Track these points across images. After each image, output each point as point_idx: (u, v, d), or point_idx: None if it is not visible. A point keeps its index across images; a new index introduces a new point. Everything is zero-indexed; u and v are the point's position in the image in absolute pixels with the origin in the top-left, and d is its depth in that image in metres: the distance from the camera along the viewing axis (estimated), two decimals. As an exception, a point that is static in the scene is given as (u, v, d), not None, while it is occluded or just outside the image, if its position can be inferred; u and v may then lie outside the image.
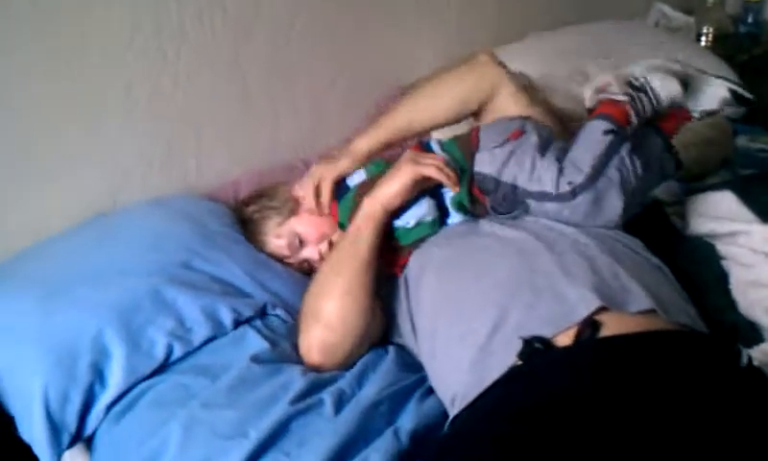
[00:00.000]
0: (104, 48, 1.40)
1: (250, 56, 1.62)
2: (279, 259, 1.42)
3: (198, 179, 1.61)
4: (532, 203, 1.22)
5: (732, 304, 1.27)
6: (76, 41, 1.37)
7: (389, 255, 1.27)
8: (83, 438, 1.12)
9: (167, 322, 1.19)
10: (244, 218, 1.46)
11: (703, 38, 2.43)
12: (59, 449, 1.09)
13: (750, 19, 2.62)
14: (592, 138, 1.21)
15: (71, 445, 1.11)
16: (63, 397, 1.09)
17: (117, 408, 1.13)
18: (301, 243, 1.41)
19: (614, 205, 1.19)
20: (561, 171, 1.20)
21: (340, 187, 1.40)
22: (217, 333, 1.22)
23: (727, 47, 2.39)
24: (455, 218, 1.29)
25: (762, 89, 2.46)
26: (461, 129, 1.58)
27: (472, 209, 1.27)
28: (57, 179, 1.42)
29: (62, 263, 1.30)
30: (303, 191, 1.42)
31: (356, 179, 1.40)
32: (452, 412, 1.05)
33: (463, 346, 1.06)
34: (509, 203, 1.24)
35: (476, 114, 1.46)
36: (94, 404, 1.12)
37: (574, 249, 1.13)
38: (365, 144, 1.41)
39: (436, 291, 1.18)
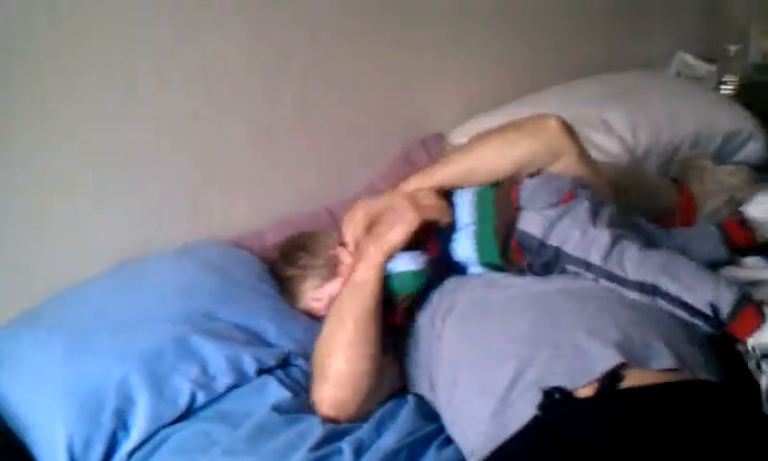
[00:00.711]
0: (135, 97, 1.45)
1: (275, 106, 1.65)
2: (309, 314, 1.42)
3: (223, 227, 1.63)
4: (572, 268, 1.19)
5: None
6: (115, 91, 1.42)
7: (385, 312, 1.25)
8: (105, 483, 1.14)
9: (191, 370, 1.20)
10: (281, 275, 1.45)
11: (726, 87, 2.43)
12: (82, 494, 1.10)
13: (772, 68, 2.61)
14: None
15: (94, 490, 1.12)
16: (87, 443, 1.11)
17: (139, 454, 1.14)
18: None
19: None
20: (613, 245, 1.16)
21: None
22: (240, 382, 1.23)
23: (749, 96, 2.38)
24: (477, 270, 1.28)
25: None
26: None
27: (505, 267, 1.24)
28: (88, 224, 1.46)
29: (89, 310, 1.32)
30: (345, 250, 1.38)
31: None
32: None
33: (483, 397, 1.05)
34: (549, 265, 1.22)
35: None
36: (117, 451, 1.14)
37: (598, 303, 1.12)
38: (414, 186, 1.35)
39: (456, 342, 1.17)
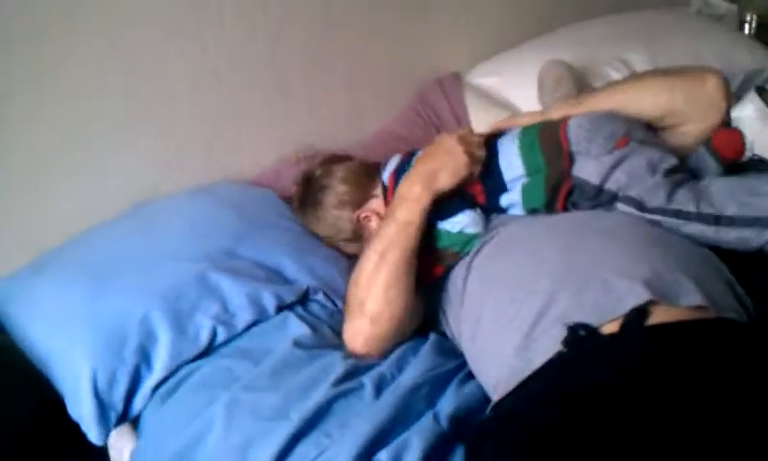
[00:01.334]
0: (146, 44, 1.43)
1: (287, 48, 1.63)
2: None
3: (238, 168, 1.63)
4: (623, 206, 1.19)
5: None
6: (119, 35, 1.40)
7: (423, 260, 1.25)
8: (129, 418, 1.15)
9: (212, 307, 1.21)
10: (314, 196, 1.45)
11: (746, 26, 2.39)
12: (106, 428, 1.13)
13: (794, 7, 2.55)
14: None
15: (118, 424, 1.14)
16: (111, 378, 1.12)
17: (162, 390, 1.16)
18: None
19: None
20: (672, 192, 1.16)
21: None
22: (260, 318, 1.23)
23: (771, 35, 2.35)
24: (514, 211, 1.28)
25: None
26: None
27: (547, 208, 1.24)
28: (101, 169, 1.45)
29: (109, 250, 1.33)
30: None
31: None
32: (494, 397, 1.05)
33: (508, 332, 1.05)
34: (598, 204, 1.22)
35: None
36: (140, 386, 1.15)
37: (630, 238, 1.11)
38: (558, 114, 1.33)
39: (483, 277, 1.17)
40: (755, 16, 2.40)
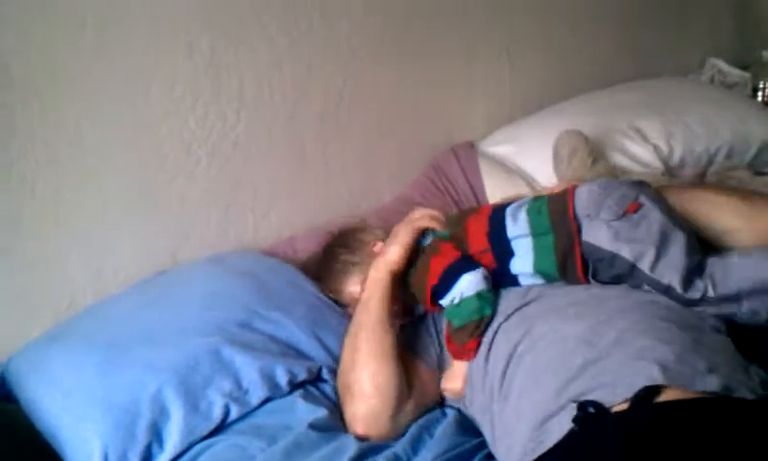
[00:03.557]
0: (167, 111, 1.45)
1: (304, 117, 1.65)
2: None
3: (255, 236, 1.63)
4: (645, 287, 1.18)
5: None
6: (141, 103, 1.42)
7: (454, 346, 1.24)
8: (140, 497, 1.13)
9: (225, 383, 1.20)
10: (321, 269, 1.47)
11: (759, 94, 2.39)
12: (117, 509, 1.10)
13: (806, 74, 2.56)
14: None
15: (128, 504, 1.12)
16: (122, 456, 1.10)
17: None
18: None
19: None
20: (691, 274, 1.15)
21: None
22: (273, 394, 1.22)
23: (784, 102, 2.36)
24: (526, 280, 1.27)
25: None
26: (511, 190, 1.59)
27: (563, 277, 1.24)
28: (118, 236, 1.46)
29: (122, 322, 1.32)
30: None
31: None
32: None
33: (531, 413, 1.06)
34: (620, 277, 1.20)
35: None
36: (151, 465, 1.13)
37: (650, 319, 1.11)
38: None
39: (506, 356, 1.16)
40: (767, 84, 2.39)
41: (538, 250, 1.25)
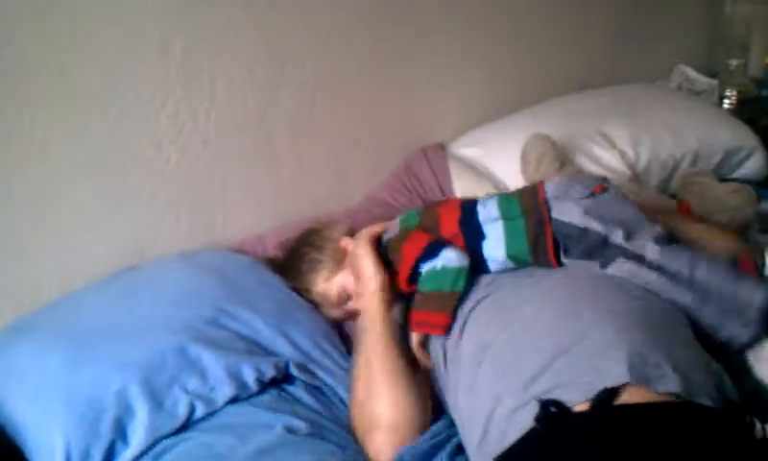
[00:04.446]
0: (137, 107, 1.45)
1: (276, 116, 1.65)
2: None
3: (224, 233, 1.63)
4: (620, 259, 1.20)
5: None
6: (111, 99, 1.42)
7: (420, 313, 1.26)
8: (103, 494, 1.13)
9: (191, 380, 1.20)
10: (289, 272, 1.48)
11: (726, 102, 2.43)
12: (78, 505, 1.10)
13: (773, 82, 2.62)
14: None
15: (91, 501, 1.11)
16: (85, 453, 1.10)
17: None
18: (348, 297, 1.43)
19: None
20: (664, 239, 1.20)
21: None
22: (240, 392, 1.22)
23: (750, 111, 2.39)
24: (497, 266, 1.29)
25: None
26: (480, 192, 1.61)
27: (535, 260, 1.26)
28: (86, 230, 1.45)
29: (89, 317, 1.32)
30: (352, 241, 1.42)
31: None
32: None
33: (496, 402, 1.08)
34: (591, 252, 1.23)
35: None
36: (115, 461, 1.13)
37: (619, 314, 1.13)
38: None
39: (477, 341, 1.17)
40: (734, 92, 2.44)
41: (509, 232, 1.27)
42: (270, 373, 1.25)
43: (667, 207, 1.55)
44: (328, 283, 1.44)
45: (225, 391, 1.21)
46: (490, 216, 1.31)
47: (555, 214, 1.26)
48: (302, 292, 1.46)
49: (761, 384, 1.20)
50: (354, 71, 1.77)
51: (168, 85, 1.48)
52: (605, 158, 1.84)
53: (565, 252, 1.24)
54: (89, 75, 1.38)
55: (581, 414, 0.98)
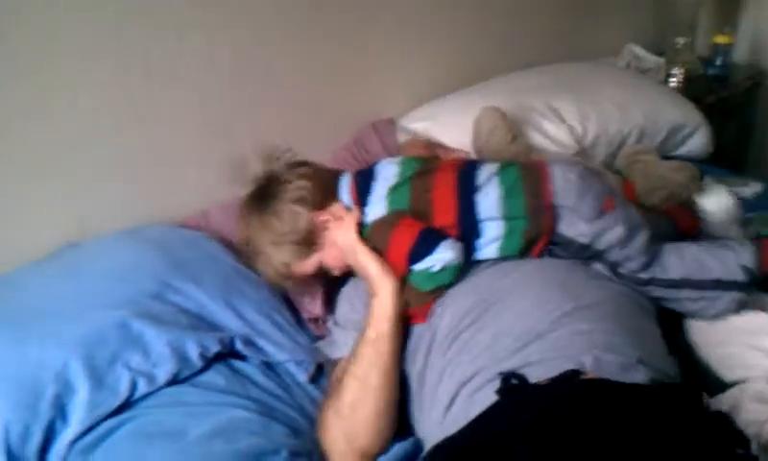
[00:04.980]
0: (76, 77, 1.41)
1: (222, 89, 1.62)
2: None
3: (165, 209, 1.59)
4: (598, 265, 1.29)
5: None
6: (49, 69, 1.37)
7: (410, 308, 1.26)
8: (44, 474, 1.10)
9: (133, 357, 1.17)
10: (251, 243, 1.37)
11: (673, 80, 2.47)
12: (19, 486, 1.07)
13: (718, 61, 2.66)
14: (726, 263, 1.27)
15: (32, 480, 1.09)
16: (24, 432, 1.07)
17: (81, 444, 1.10)
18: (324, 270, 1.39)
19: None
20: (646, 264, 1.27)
21: None
22: (183, 368, 1.19)
23: (696, 89, 2.44)
24: (481, 257, 1.29)
25: (728, 131, 2.54)
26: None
27: (519, 256, 1.28)
28: (24, 207, 1.41)
29: (29, 295, 1.28)
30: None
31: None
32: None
33: (461, 385, 1.10)
34: (578, 255, 1.28)
35: None
36: (55, 440, 1.09)
37: (593, 302, 1.17)
38: None
39: (450, 336, 1.18)
40: (681, 70, 2.48)
41: (507, 234, 1.27)
42: (214, 348, 1.23)
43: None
44: (305, 263, 1.36)
45: (167, 367, 1.18)
46: (490, 213, 1.28)
47: (561, 228, 1.26)
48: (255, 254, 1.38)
49: (710, 367, 1.28)
50: (303, 51, 1.75)
51: (105, 53, 1.43)
52: (554, 133, 1.85)
53: (551, 252, 1.28)
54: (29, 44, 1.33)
55: (540, 385, 1.00)
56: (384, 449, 1.19)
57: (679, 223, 1.46)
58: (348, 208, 1.35)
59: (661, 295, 1.28)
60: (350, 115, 1.91)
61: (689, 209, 1.51)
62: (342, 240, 1.31)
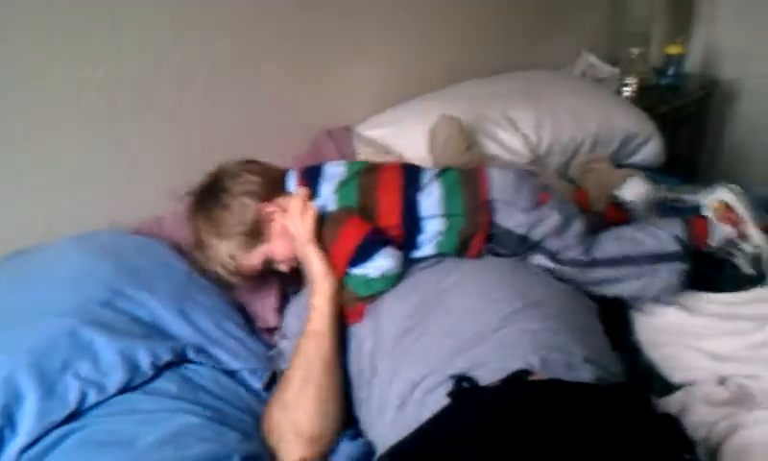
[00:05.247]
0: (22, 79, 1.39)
1: (172, 94, 1.61)
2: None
3: (120, 214, 1.58)
4: (539, 254, 1.32)
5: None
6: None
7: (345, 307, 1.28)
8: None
9: (83, 365, 1.15)
10: (199, 238, 1.38)
11: (627, 89, 2.52)
12: (-34, 496, 1.05)
13: (671, 71, 2.71)
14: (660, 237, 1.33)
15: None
16: (-29, 442, 1.06)
17: (31, 453, 1.08)
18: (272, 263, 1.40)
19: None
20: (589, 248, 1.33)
21: None
22: (134, 377, 1.18)
23: (649, 98, 2.49)
24: (421, 255, 1.32)
25: (680, 140, 2.59)
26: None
27: (457, 255, 1.31)
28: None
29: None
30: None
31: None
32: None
33: (411, 386, 1.10)
34: (517, 250, 1.31)
35: None
36: (4, 450, 1.08)
37: (536, 303, 1.18)
38: None
39: (396, 336, 1.19)
40: (635, 80, 2.52)
41: (446, 230, 1.31)
42: (166, 356, 1.22)
43: (564, 192, 1.61)
44: (252, 255, 1.37)
45: (117, 377, 1.16)
46: (431, 211, 1.32)
47: (498, 219, 1.30)
48: (209, 265, 1.39)
49: (654, 366, 1.31)
50: (260, 56, 1.75)
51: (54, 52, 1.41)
52: (508, 142, 1.88)
53: (491, 250, 1.31)
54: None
55: (490, 388, 1.02)
56: (334, 440, 1.20)
57: (606, 218, 1.55)
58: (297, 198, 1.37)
59: (604, 276, 1.32)
60: (309, 122, 1.92)
61: (616, 204, 1.59)
62: (294, 228, 1.33)
